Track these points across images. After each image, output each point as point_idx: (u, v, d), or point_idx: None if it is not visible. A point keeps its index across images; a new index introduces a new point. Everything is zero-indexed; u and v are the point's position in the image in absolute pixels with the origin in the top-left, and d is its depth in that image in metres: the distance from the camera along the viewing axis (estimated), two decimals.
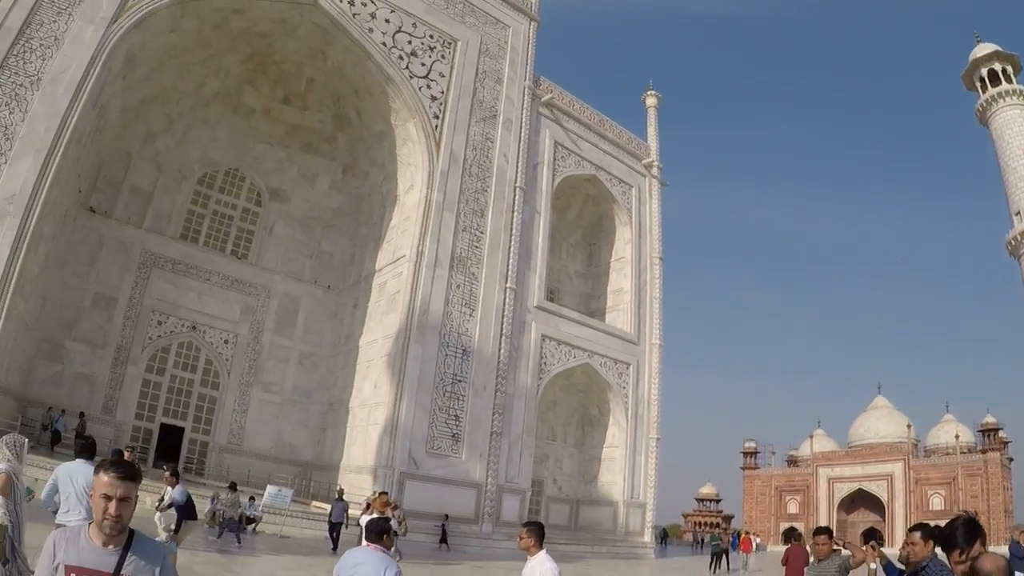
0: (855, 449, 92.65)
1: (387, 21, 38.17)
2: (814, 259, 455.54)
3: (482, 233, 38.03)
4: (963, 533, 4.84)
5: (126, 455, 19.19)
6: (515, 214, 39.60)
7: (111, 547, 3.76)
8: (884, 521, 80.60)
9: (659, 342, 45.87)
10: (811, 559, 10.56)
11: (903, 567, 7.33)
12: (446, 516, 31.29)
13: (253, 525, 26.27)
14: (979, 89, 64.25)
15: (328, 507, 26.45)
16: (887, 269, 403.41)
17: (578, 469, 45.62)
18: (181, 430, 40.10)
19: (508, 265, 38.38)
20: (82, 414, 34.49)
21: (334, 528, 24.23)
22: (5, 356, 26.83)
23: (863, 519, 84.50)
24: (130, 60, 33.25)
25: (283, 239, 45.56)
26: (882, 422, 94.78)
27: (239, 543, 22.01)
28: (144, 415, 38.97)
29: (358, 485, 32.40)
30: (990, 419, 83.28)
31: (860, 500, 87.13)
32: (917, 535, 6.49)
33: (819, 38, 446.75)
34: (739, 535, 50.19)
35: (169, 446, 38.94)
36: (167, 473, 16.30)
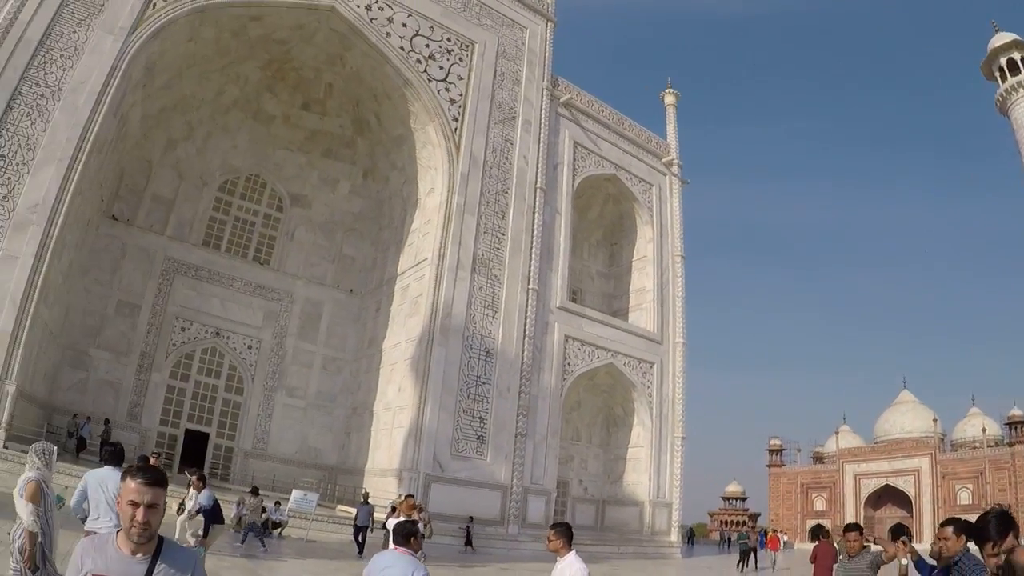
0: (881, 444, 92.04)
1: (404, 25, 38.19)
2: (837, 255, 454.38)
3: (503, 235, 37.99)
4: (996, 526, 4.78)
5: (152, 461, 19.29)
6: (536, 215, 39.51)
7: (140, 555, 3.65)
8: (911, 517, 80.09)
9: (683, 340, 45.64)
10: (840, 556, 10.47)
11: (934, 562, 7.27)
12: (470, 518, 31.25)
13: (279, 530, 26.37)
14: (998, 79, 63.82)
15: (353, 511, 26.44)
16: (911, 264, 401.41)
17: (603, 469, 45.46)
18: (206, 436, 40.31)
19: (530, 266, 38.31)
20: (107, 421, 34.73)
21: (360, 532, 24.21)
22: (30, 364, 26.98)
23: (890, 515, 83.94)
24: (150, 69, 33.45)
25: (305, 244, 45.71)
26: (908, 417, 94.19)
27: (263, 547, 22.08)
28: (169, 421, 39.20)
29: (383, 488, 32.46)
30: (1017, 412, 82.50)
31: (887, 496, 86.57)
32: (949, 529, 6.41)
33: (836, 33, 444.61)
34: (766, 533, 49.99)
35: (194, 452, 39.11)
36: (194, 477, 16.38)
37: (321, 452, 42.82)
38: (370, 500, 26.30)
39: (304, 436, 42.66)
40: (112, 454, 9.30)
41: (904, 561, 8.28)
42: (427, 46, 38.73)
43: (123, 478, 3.76)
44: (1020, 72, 61.79)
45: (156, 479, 3.71)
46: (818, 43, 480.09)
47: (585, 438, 45.28)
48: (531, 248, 38.72)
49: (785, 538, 59.84)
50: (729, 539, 68.82)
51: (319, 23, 37.51)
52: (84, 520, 8.58)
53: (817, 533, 15.72)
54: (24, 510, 7.48)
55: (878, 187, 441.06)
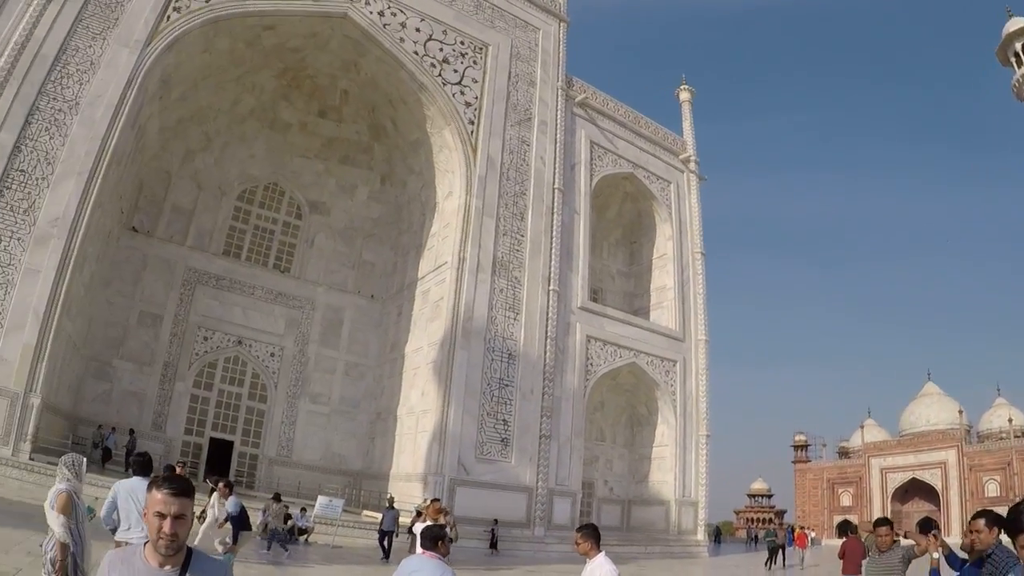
0: (907, 438, 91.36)
1: (417, 30, 38.23)
2: (859, 247, 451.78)
3: (523, 236, 37.94)
4: None
5: (178, 470, 19.36)
6: (555, 216, 39.46)
7: (168, 568, 3.56)
8: (939, 510, 79.49)
9: (705, 338, 45.44)
10: (870, 551, 10.37)
11: (966, 556, 7.19)
12: (495, 521, 31.22)
13: (305, 536, 26.40)
14: (1014, 64, 63.36)
15: (379, 516, 26.45)
16: (933, 256, 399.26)
17: (628, 469, 45.34)
18: (230, 444, 40.45)
19: (550, 267, 38.24)
20: (132, 431, 34.87)
21: (385, 536, 24.21)
22: (54, 376, 27.15)
23: (917, 509, 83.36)
24: (165, 81, 33.64)
25: (325, 251, 45.84)
26: (933, 409, 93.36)
27: (286, 552, 22.13)
28: (193, 430, 39.38)
29: (408, 493, 32.44)
30: None
31: (914, 490, 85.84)
32: (981, 522, 6.35)
33: (850, 21, 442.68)
34: (793, 530, 49.70)
35: (219, 460, 39.29)
36: (220, 485, 16.40)
37: (345, 458, 42.88)
38: (395, 505, 26.22)
39: (328, 442, 42.74)
40: (140, 464, 9.32)
41: (935, 555, 8.22)
42: (441, 50, 38.77)
43: (149, 489, 3.68)
44: None
45: (182, 489, 3.63)
46: (830, 33, 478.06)
47: (609, 438, 45.19)
48: (551, 249, 38.67)
49: (812, 534, 59.38)
50: (756, 537, 68.51)
51: (333, 30, 37.60)
52: (114, 531, 8.59)
53: (845, 529, 15.64)
54: (55, 522, 7.51)
55: (901, 178, 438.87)
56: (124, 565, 3.61)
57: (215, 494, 17.64)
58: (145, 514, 3.65)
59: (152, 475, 7.20)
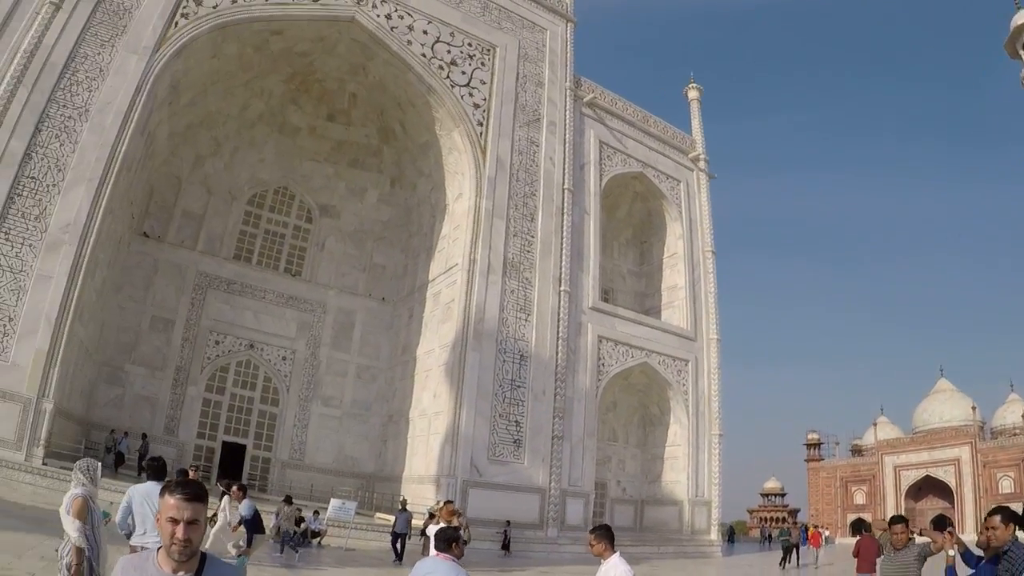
0: (920, 435, 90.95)
1: (425, 32, 38.28)
2: (869, 245, 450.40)
3: (533, 237, 37.93)
4: None
5: (191, 474, 19.40)
6: (565, 216, 39.42)
7: (181, 573, 3.50)
8: (953, 507, 79.12)
9: (716, 337, 45.31)
10: (884, 550, 10.33)
11: (981, 553, 7.16)
12: (508, 522, 31.20)
13: (318, 539, 26.43)
14: (1023, 57, 63.04)
15: (392, 518, 26.45)
16: (944, 252, 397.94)
17: (641, 469, 45.27)
18: (243, 447, 40.53)
19: (561, 268, 38.21)
20: (144, 435, 35.05)
21: (398, 538, 24.23)
22: (67, 381, 27.25)
23: (931, 506, 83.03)
24: (174, 87, 33.74)
25: (335, 254, 45.89)
26: (946, 405, 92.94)
27: (297, 553, 22.26)
28: (206, 434, 39.48)
29: (421, 495, 32.42)
30: None
31: (927, 487, 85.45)
32: (997, 519, 6.33)
33: (857, 20, 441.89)
34: (807, 529, 49.58)
35: (232, 463, 39.37)
36: (234, 488, 16.40)
37: (358, 460, 42.91)
38: (408, 507, 26.25)
39: (341, 445, 42.78)
40: (155, 468, 9.34)
41: (951, 552, 8.16)
42: (448, 52, 38.80)
43: (161, 494, 3.65)
44: None
45: (196, 494, 3.58)
46: (834, 30, 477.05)
47: (622, 438, 45.14)
48: (561, 249, 38.64)
49: (826, 533, 59.20)
50: (770, 536, 68.30)
51: (340, 34, 37.66)
52: (129, 535, 8.60)
53: (859, 527, 15.60)
54: (71, 526, 7.53)
55: (909, 175, 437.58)
56: (137, 571, 3.56)
57: (226, 497, 17.67)
58: (158, 519, 3.60)
59: (166, 479, 7.22)
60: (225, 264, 42.00)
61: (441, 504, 19.54)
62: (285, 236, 45.00)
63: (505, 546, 30.38)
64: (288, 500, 24.13)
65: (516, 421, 34.26)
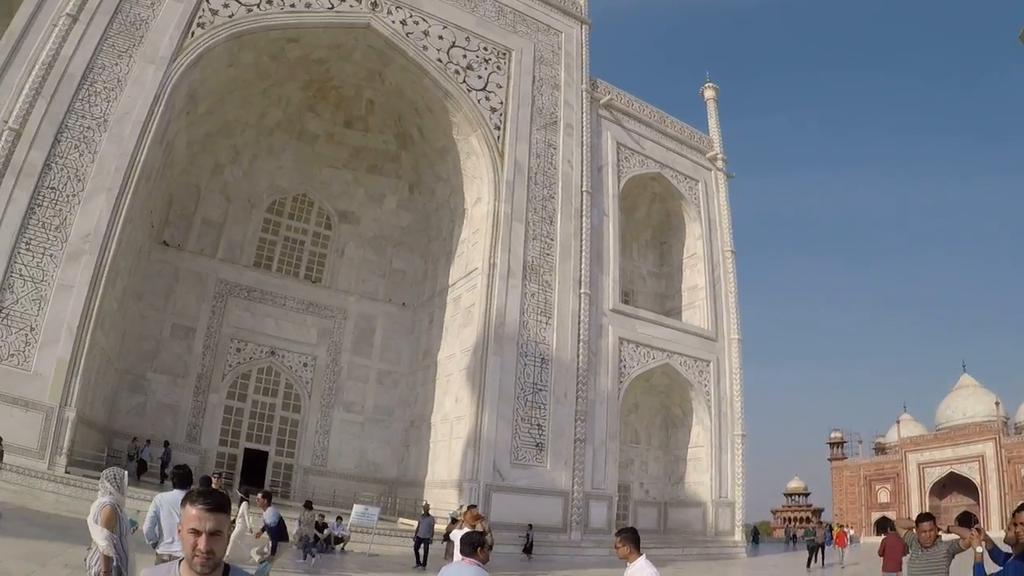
0: (943, 431, 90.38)
1: (440, 37, 38.29)
2: (889, 242, 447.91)
3: (552, 240, 37.86)
4: None
5: (213, 481, 19.46)
6: (584, 219, 39.33)
7: None
8: (978, 504, 78.63)
9: (738, 337, 45.08)
10: (911, 548, 10.23)
11: (1009, 549, 7.07)
12: (530, 526, 31.13)
13: (342, 545, 26.47)
14: None
15: (415, 523, 26.47)
16: (964, 247, 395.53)
17: (664, 471, 45.09)
18: (265, 454, 40.70)
19: (581, 270, 38.12)
20: (167, 443, 35.35)
21: (421, 543, 24.24)
22: (89, 390, 27.38)
23: (956, 503, 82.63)
24: (192, 96, 33.89)
25: (355, 260, 45.99)
26: (969, 401, 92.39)
27: (315, 558, 22.34)
28: (228, 441, 39.70)
29: (444, 500, 32.43)
30: None
31: (952, 484, 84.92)
32: None
33: (868, 17, 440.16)
34: (832, 529, 49.27)
35: (254, 470, 39.55)
36: (259, 496, 16.44)
37: (380, 466, 42.96)
38: (431, 512, 26.22)
39: (363, 451, 42.85)
40: (180, 477, 9.40)
41: (979, 549, 8.08)
42: (464, 57, 38.80)
43: (183, 504, 3.55)
44: None
45: (218, 504, 3.47)
46: (842, 29, 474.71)
47: (644, 440, 44.99)
48: (581, 252, 38.55)
49: (851, 532, 58.83)
50: (794, 536, 67.97)
51: (356, 41, 37.72)
52: (155, 544, 8.61)
53: (884, 526, 15.48)
54: (99, 535, 7.54)
55: (929, 172, 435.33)
56: None
57: (244, 504, 17.69)
58: (180, 530, 3.50)
59: (189, 488, 7.20)
60: (245, 271, 42.16)
61: (464, 508, 19.47)
62: (304, 243, 45.13)
63: (527, 549, 30.31)
64: (308, 505, 24.19)
65: (538, 424, 34.19)
